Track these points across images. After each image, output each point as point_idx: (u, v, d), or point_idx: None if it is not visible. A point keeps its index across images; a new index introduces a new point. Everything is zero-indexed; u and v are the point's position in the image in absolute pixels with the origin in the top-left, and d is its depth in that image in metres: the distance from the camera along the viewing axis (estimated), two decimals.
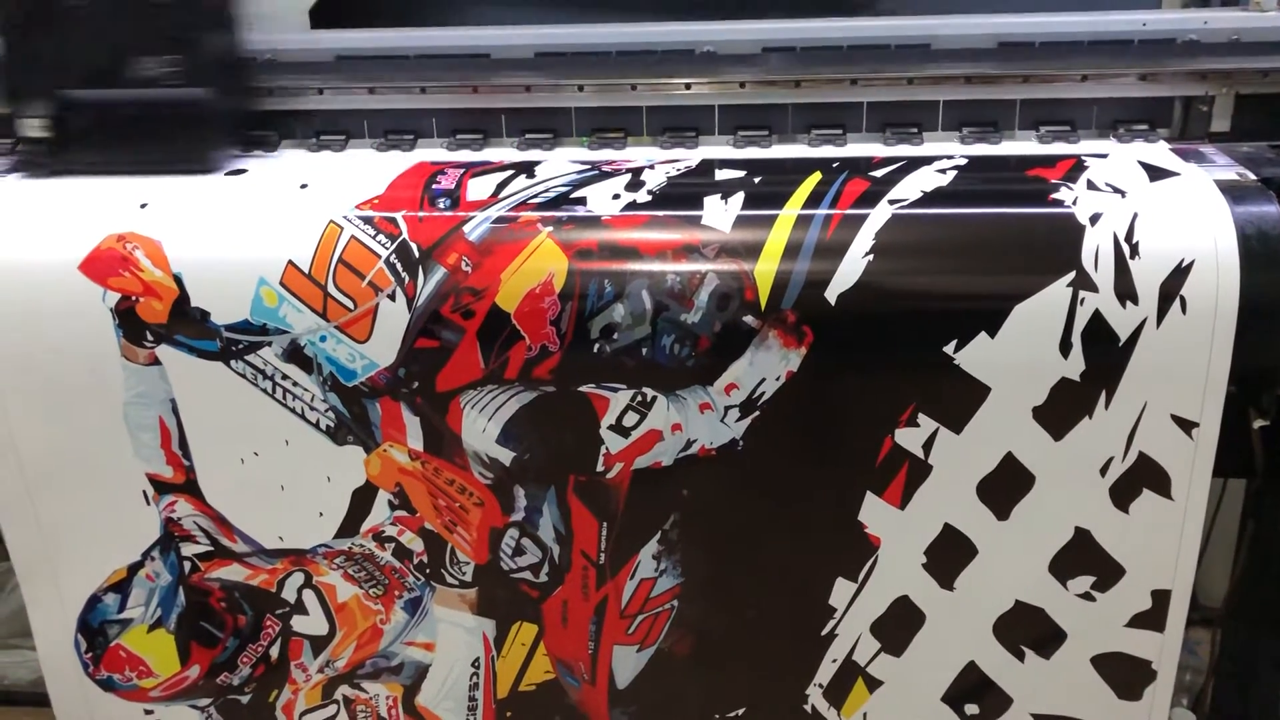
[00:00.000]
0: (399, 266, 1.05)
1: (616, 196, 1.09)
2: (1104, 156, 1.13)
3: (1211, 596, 1.39)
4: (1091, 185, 1.06)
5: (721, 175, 1.12)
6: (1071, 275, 1.00)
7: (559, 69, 1.28)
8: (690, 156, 1.19)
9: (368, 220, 1.07)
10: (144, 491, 1.14)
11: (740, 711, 1.20)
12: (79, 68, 1.18)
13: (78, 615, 1.20)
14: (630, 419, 1.07)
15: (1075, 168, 1.09)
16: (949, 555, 1.11)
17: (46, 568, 1.18)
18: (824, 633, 1.15)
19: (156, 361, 1.09)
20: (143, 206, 1.10)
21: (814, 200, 1.06)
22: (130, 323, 1.07)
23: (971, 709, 1.17)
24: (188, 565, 1.17)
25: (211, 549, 1.17)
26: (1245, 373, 1.04)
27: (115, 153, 1.18)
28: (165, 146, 1.18)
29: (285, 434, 1.10)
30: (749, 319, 1.03)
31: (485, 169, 1.15)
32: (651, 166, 1.15)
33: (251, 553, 1.16)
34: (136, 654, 1.20)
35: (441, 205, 1.09)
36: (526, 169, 1.15)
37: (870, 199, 1.06)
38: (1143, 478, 1.06)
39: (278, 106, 1.31)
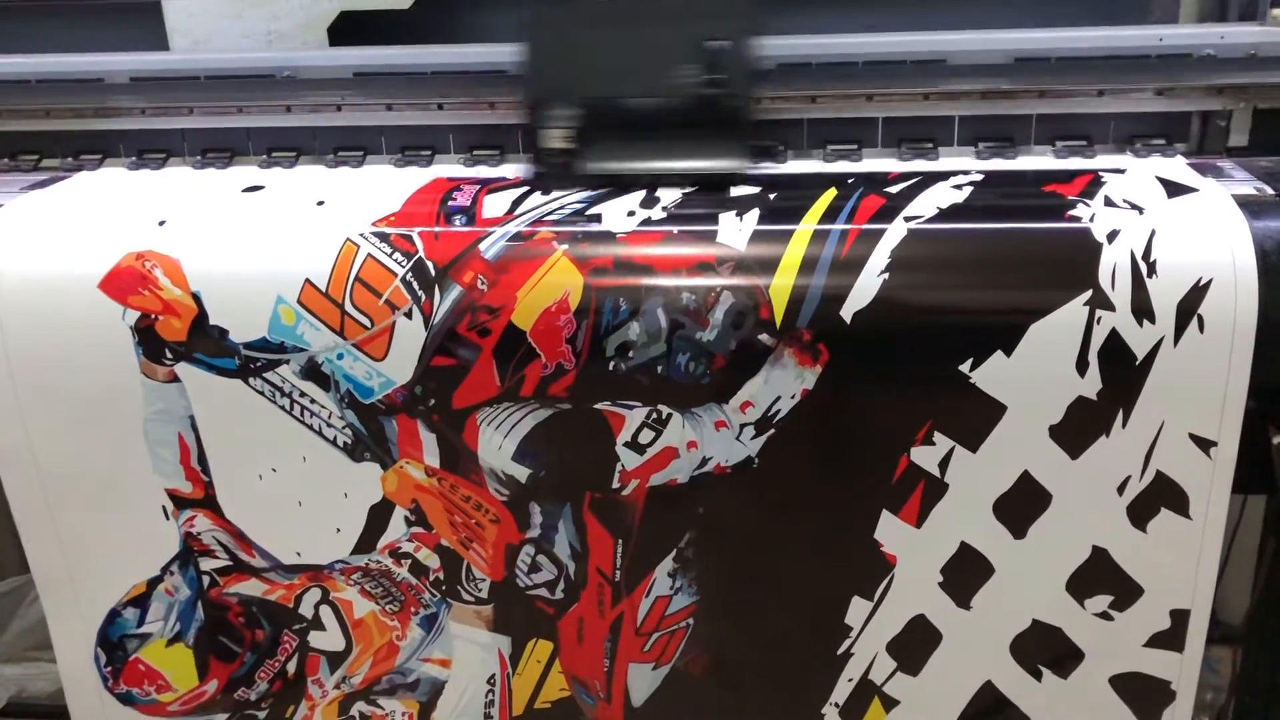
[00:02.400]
0: (415, 285, 1.06)
1: (632, 213, 1.09)
2: (1121, 172, 1.12)
3: (1232, 614, 1.38)
4: (1109, 201, 1.06)
5: (737, 191, 1.12)
6: (1088, 294, 1.00)
7: None
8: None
9: (384, 238, 1.08)
10: (163, 507, 1.15)
11: None
12: (603, 76, 1.14)
13: (97, 629, 1.21)
14: (646, 436, 1.07)
15: (1092, 183, 1.09)
16: (965, 574, 1.10)
17: (67, 582, 1.19)
18: (840, 651, 1.14)
19: (176, 379, 1.09)
20: (161, 224, 1.11)
21: (829, 216, 1.06)
22: (150, 340, 1.08)
23: None
24: (206, 580, 1.18)
25: (230, 564, 1.17)
26: (1265, 389, 1.03)
27: (637, 162, 1.14)
28: (690, 154, 1.14)
29: (303, 450, 1.11)
30: (764, 337, 1.03)
31: (500, 185, 1.16)
32: None
33: (269, 568, 1.17)
34: (155, 668, 1.21)
35: (457, 222, 1.10)
36: (541, 185, 1.15)
37: (886, 215, 1.06)
38: (1161, 497, 1.05)
39: (296, 123, 1.32)
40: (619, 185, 1.13)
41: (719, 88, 1.11)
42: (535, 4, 1.15)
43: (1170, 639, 1.11)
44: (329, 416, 1.10)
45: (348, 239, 1.08)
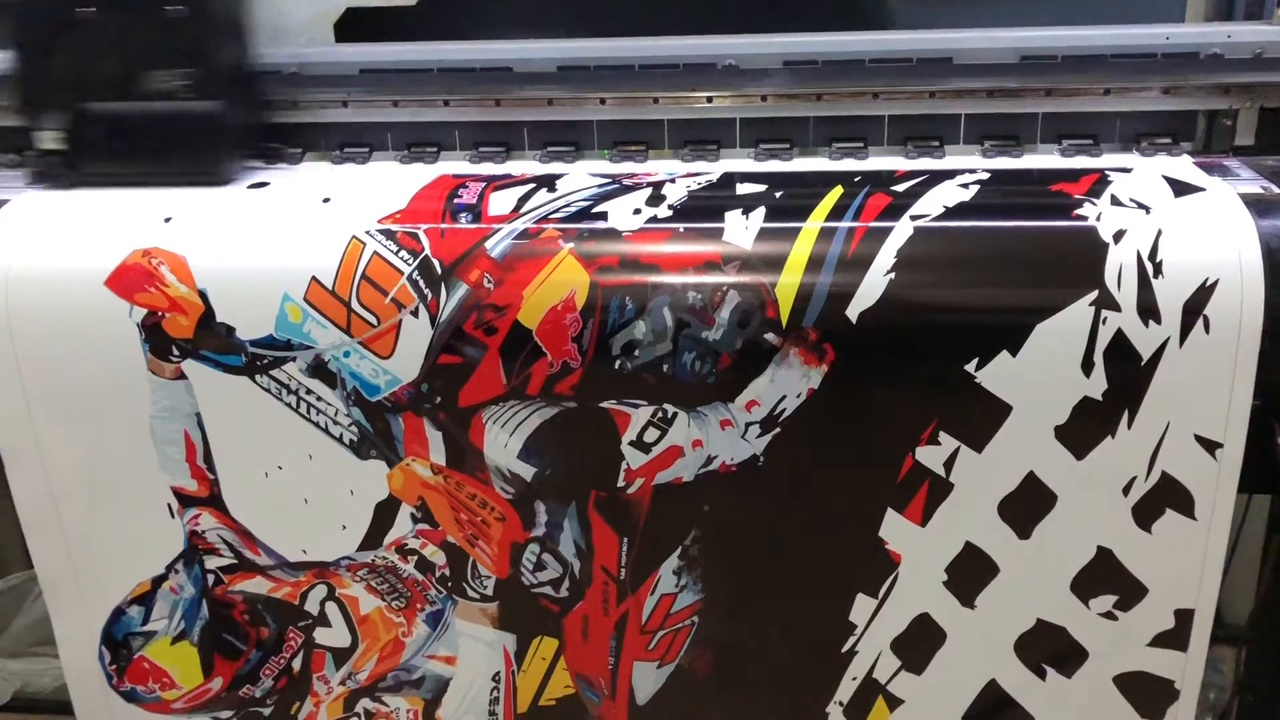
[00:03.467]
0: (422, 283, 1.06)
1: (638, 211, 1.09)
2: (1128, 171, 1.12)
3: (1236, 613, 1.38)
4: (1115, 201, 1.06)
5: (743, 189, 1.12)
6: (1094, 294, 1.00)
7: (581, 82, 1.29)
8: (712, 170, 1.19)
9: (390, 235, 1.08)
10: (169, 504, 1.15)
11: None
12: (93, 80, 1.19)
13: (102, 627, 1.21)
14: (651, 435, 1.08)
15: (1099, 182, 1.09)
16: (970, 573, 1.10)
17: (71, 579, 1.19)
18: (844, 650, 1.15)
19: (182, 376, 1.09)
20: (167, 220, 1.11)
21: (836, 215, 1.06)
22: (156, 337, 1.08)
23: None
24: (211, 578, 1.18)
25: (235, 562, 1.17)
26: (1270, 388, 1.03)
27: (130, 165, 1.19)
28: (179, 159, 1.19)
29: (309, 448, 1.11)
30: (770, 336, 1.03)
31: (506, 182, 1.16)
32: (673, 180, 1.15)
33: (275, 565, 1.17)
34: (160, 666, 1.21)
35: (464, 220, 1.10)
36: (548, 183, 1.15)
37: (892, 213, 1.06)
38: (1165, 498, 1.05)
39: (302, 119, 1.32)
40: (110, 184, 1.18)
41: (196, 92, 1.18)
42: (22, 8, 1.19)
43: (1174, 639, 1.11)
44: (335, 414, 1.10)
45: (354, 237, 1.08)
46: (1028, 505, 1.07)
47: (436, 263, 1.06)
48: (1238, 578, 1.34)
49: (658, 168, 1.21)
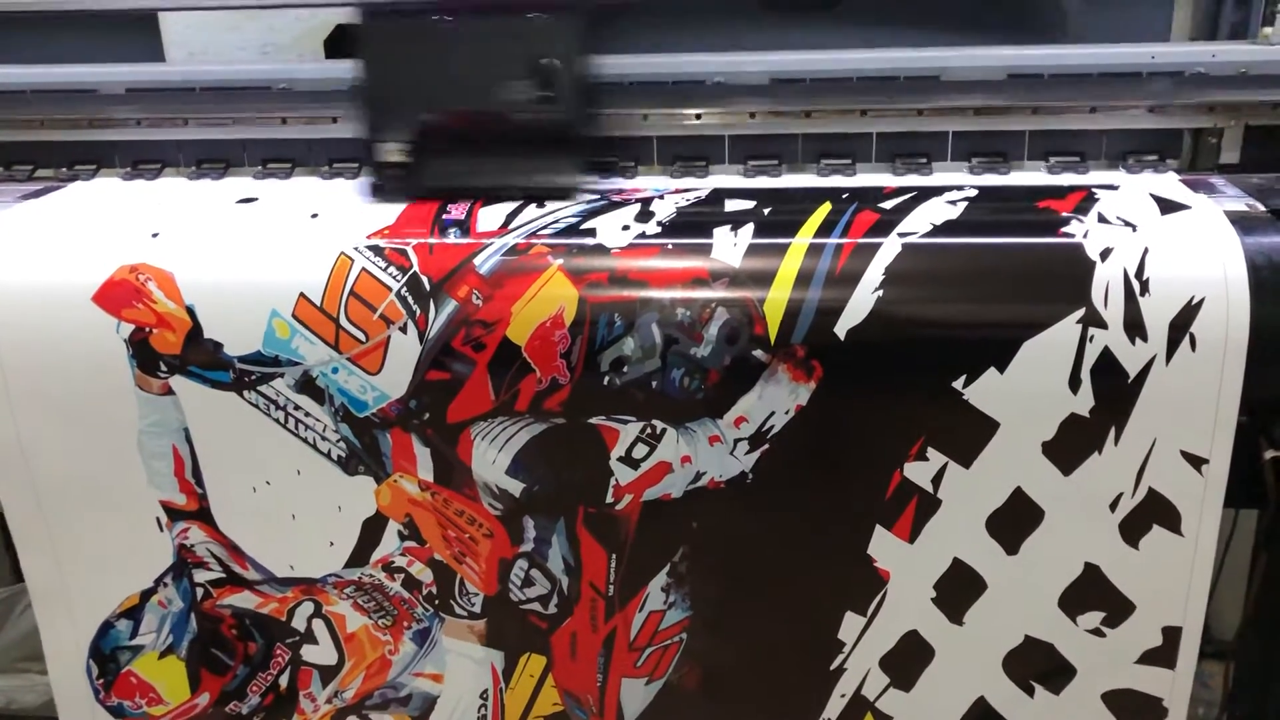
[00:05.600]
0: (410, 299, 1.06)
1: (626, 228, 1.09)
2: (1115, 188, 1.12)
3: (1225, 628, 1.38)
4: (1102, 218, 1.06)
5: (731, 205, 1.12)
6: (1081, 311, 1.00)
7: None
8: (700, 186, 1.19)
9: (379, 251, 1.08)
10: (157, 518, 1.15)
11: None
12: (439, 92, 1.16)
13: (90, 641, 1.20)
14: (640, 451, 1.08)
15: (1086, 200, 1.09)
16: (958, 590, 1.10)
17: (60, 593, 1.19)
18: (833, 667, 1.15)
19: (170, 391, 1.09)
20: (154, 236, 1.11)
21: (824, 231, 1.07)
22: (144, 353, 1.08)
23: None
24: (200, 592, 1.18)
25: (224, 576, 1.17)
26: (1256, 404, 1.04)
27: (475, 178, 1.17)
28: (529, 172, 1.17)
29: (297, 464, 1.11)
30: (758, 353, 1.03)
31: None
32: (661, 196, 1.15)
33: (263, 580, 1.17)
34: (147, 681, 1.21)
35: (452, 235, 1.10)
36: (536, 198, 1.15)
37: (880, 230, 1.06)
38: (1152, 514, 1.06)
39: (291, 135, 1.32)
40: (453, 197, 1.16)
41: (548, 104, 1.14)
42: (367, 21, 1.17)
43: (1162, 656, 1.11)
44: (323, 430, 1.10)
45: (342, 253, 1.08)
46: (1015, 521, 1.07)
47: (425, 279, 1.06)
48: (1226, 592, 1.34)
49: (646, 184, 1.21)
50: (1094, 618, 1.10)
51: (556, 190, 1.16)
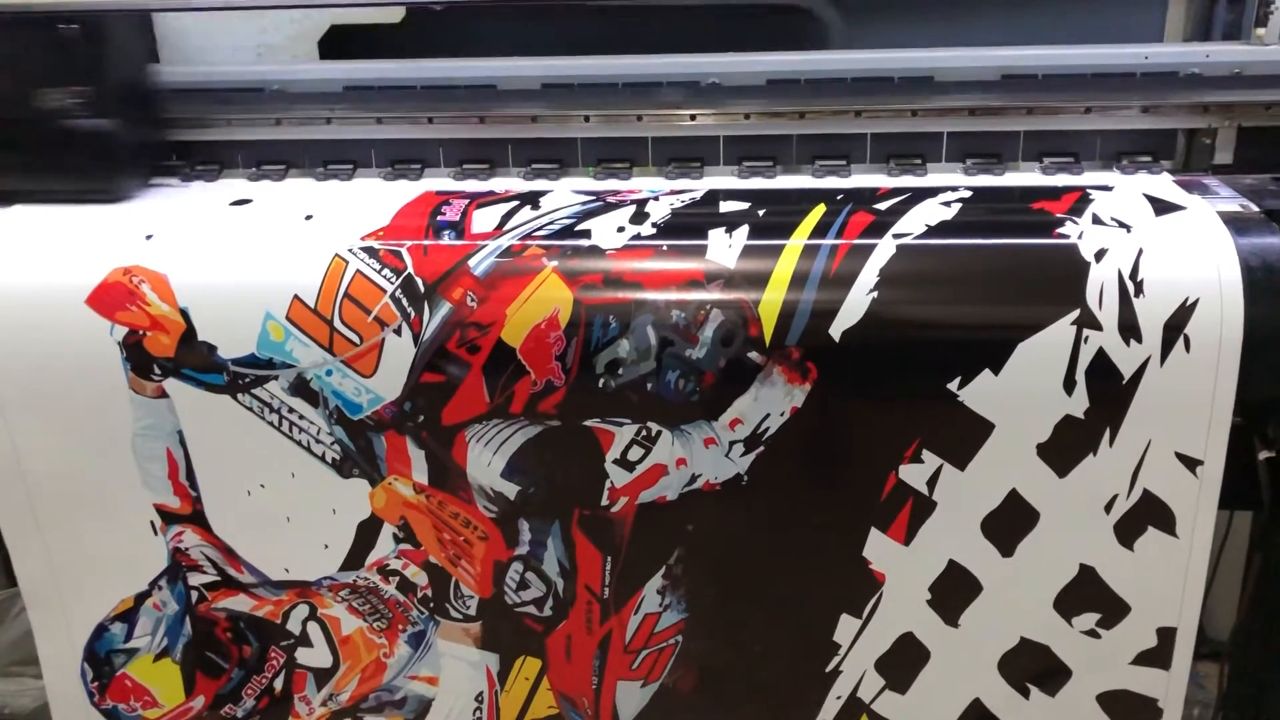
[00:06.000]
0: (404, 301, 1.06)
1: (621, 229, 1.09)
2: (1109, 189, 1.13)
3: (1219, 629, 1.38)
4: (1097, 219, 1.06)
5: (726, 206, 1.12)
6: (1076, 313, 1.00)
7: (565, 100, 1.29)
8: (695, 187, 1.19)
9: (373, 253, 1.08)
10: (151, 522, 1.15)
11: None
12: None
13: (84, 644, 1.20)
14: (635, 453, 1.07)
15: (1080, 201, 1.09)
16: (954, 592, 1.10)
17: (54, 596, 1.19)
18: (828, 669, 1.15)
19: (164, 394, 1.09)
20: (148, 238, 1.11)
21: (819, 232, 1.07)
22: (138, 356, 1.08)
23: None
24: (194, 595, 1.17)
25: (219, 579, 1.17)
26: (1250, 405, 1.04)
27: (23, 181, 1.19)
28: (72, 176, 1.19)
29: (291, 467, 1.11)
30: (754, 355, 1.03)
31: (490, 199, 1.16)
32: (656, 197, 1.15)
33: (258, 584, 1.17)
34: (142, 684, 1.21)
35: (447, 237, 1.10)
36: (531, 200, 1.15)
37: (874, 232, 1.06)
38: (1147, 515, 1.06)
39: (286, 136, 1.32)
40: None
41: (88, 111, 1.17)
42: None
43: (1157, 657, 1.11)
44: (318, 433, 1.09)
45: (336, 254, 1.08)
46: (1010, 523, 1.07)
47: (420, 281, 1.06)
48: (1221, 593, 1.34)
49: (641, 185, 1.21)
50: (1089, 619, 1.10)
51: (96, 194, 1.19)
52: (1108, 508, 1.06)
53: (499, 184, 1.25)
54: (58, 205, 1.18)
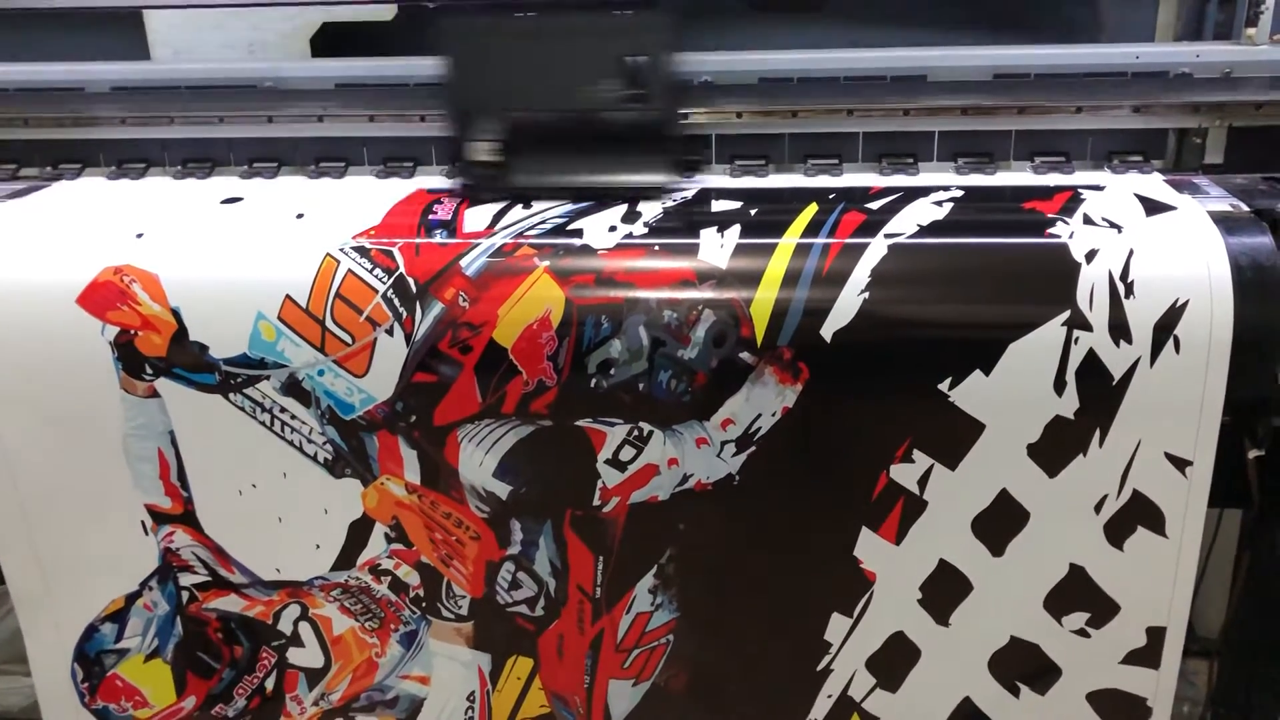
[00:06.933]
0: (396, 301, 1.05)
1: (613, 229, 1.09)
2: (1100, 188, 1.13)
3: (1209, 627, 1.39)
4: (1088, 219, 1.06)
5: (718, 206, 1.12)
6: (1066, 314, 1.00)
7: None
8: (687, 186, 1.19)
9: (364, 253, 1.07)
10: (142, 522, 1.14)
11: None
12: (529, 89, 1.14)
13: (75, 644, 1.20)
14: (627, 453, 1.07)
15: (1071, 201, 1.09)
16: (944, 591, 1.11)
17: (44, 597, 1.18)
18: (819, 668, 1.15)
19: (155, 394, 1.09)
20: (139, 237, 1.11)
21: (811, 232, 1.07)
22: (129, 356, 1.07)
23: None
24: (185, 595, 1.17)
25: (210, 579, 1.17)
26: (1240, 404, 1.04)
27: (569, 176, 1.15)
28: (624, 170, 1.15)
29: (283, 466, 1.11)
30: (745, 355, 1.03)
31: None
32: None
33: (249, 584, 1.16)
34: (133, 684, 1.20)
35: (439, 236, 1.09)
36: (523, 199, 1.15)
37: (866, 231, 1.06)
38: (1137, 515, 1.06)
39: (278, 134, 1.31)
40: (545, 197, 1.14)
41: (640, 102, 1.12)
42: (453, 17, 1.15)
43: (1146, 656, 1.11)
44: (309, 432, 1.09)
45: (328, 254, 1.08)
46: (1001, 523, 1.08)
47: (411, 281, 1.06)
48: (1210, 590, 1.34)
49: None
50: (1079, 618, 1.10)
51: (649, 189, 1.15)
52: (1098, 508, 1.06)
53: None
54: None
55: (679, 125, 1.17)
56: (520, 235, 1.09)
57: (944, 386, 1.03)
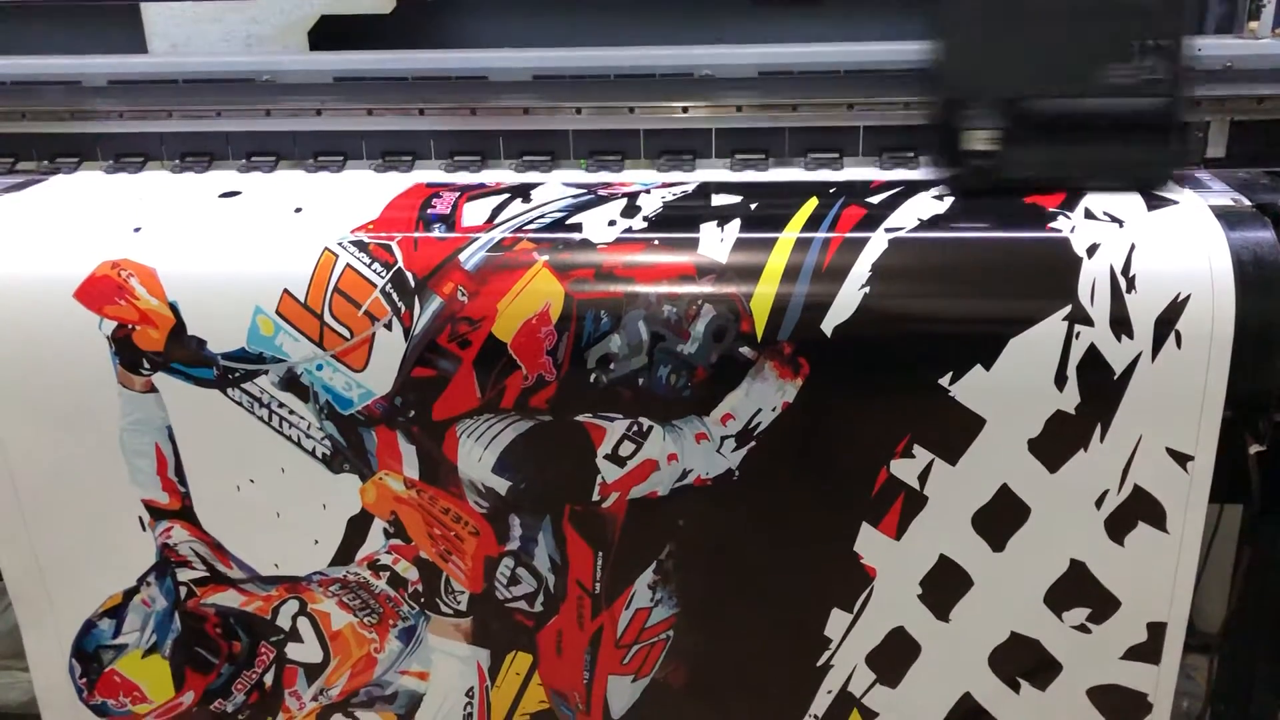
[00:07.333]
0: (395, 296, 1.05)
1: (612, 223, 1.09)
2: None
3: (1209, 622, 1.39)
4: (1089, 214, 1.06)
5: (718, 200, 1.12)
6: (1068, 308, 1.00)
7: (557, 92, 1.29)
8: (687, 180, 1.18)
9: (363, 247, 1.07)
10: (140, 517, 1.14)
11: None
12: (1033, 75, 1.07)
13: (72, 640, 1.20)
14: (626, 449, 1.07)
15: (1072, 195, 1.09)
16: (944, 586, 1.10)
17: (41, 592, 1.18)
18: (819, 664, 1.15)
19: (153, 389, 1.08)
20: (136, 230, 1.10)
21: (811, 226, 1.06)
22: (126, 350, 1.07)
23: None
24: (183, 591, 1.17)
25: (207, 574, 1.17)
26: (1241, 398, 1.04)
27: (1064, 168, 1.09)
28: (1123, 157, 1.09)
29: (281, 461, 1.10)
30: (745, 350, 1.03)
31: (481, 193, 1.15)
32: (648, 190, 1.14)
33: (247, 579, 1.16)
34: (131, 680, 1.20)
35: (437, 231, 1.09)
36: (522, 193, 1.15)
37: (867, 225, 1.06)
38: (1138, 511, 1.06)
39: (275, 128, 1.31)
40: (1039, 190, 1.08)
41: (1155, 89, 1.06)
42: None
43: (1147, 651, 1.11)
44: (308, 427, 1.09)
45: (326, 248, 1.07)
46: (1001, 518, 1.07)
47: (410, 275, 1.05)
48: (1211, 585, 1.34)
49: (633, 178, 1.20)
50: (1079, 614, 1.10)
51: (1154, 179, 1.10)
52: (1098, 503, 1.06)
53: (490, 176, 1.24)
54: None
55: (1184, 114, 1.11)
56: (519, 229, 1.08)
57: (945, 381, 1.02)
